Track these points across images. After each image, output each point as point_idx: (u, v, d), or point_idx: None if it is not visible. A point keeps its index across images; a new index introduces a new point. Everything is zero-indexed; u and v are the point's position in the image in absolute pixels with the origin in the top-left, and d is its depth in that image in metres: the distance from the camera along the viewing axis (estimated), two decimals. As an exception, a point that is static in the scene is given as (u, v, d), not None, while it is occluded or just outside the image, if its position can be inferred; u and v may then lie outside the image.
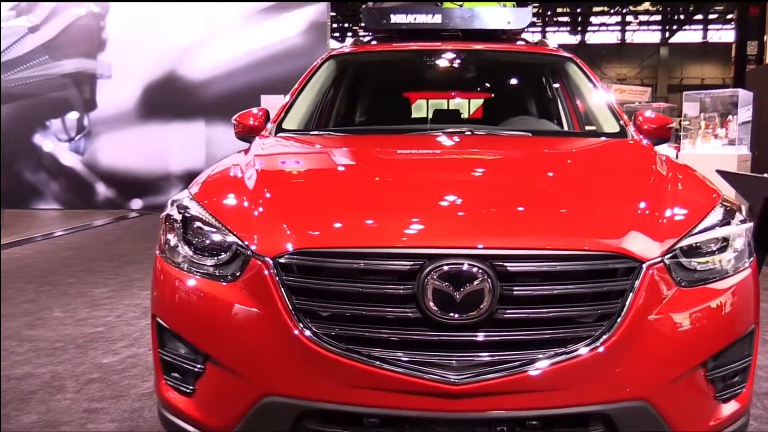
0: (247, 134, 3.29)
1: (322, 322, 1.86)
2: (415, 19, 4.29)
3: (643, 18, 39.41)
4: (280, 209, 2.11)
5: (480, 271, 1.79)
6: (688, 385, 1.96)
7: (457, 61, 4.00)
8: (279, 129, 3.25)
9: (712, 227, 2.07)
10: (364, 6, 4.40)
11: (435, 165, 2.67)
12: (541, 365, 1.80)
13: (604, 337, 1.82)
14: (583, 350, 1.81)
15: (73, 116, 11.04)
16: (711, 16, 38.44)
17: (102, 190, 11.10)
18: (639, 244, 1.91)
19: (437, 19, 4.30)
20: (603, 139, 3.14)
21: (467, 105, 4.74)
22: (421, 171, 2.57)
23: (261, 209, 2.12)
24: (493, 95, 4.23)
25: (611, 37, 40.68)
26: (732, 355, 2.05)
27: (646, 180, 2.33)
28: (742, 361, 2.08)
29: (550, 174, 2.50)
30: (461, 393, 1.79)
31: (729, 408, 2.06)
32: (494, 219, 2.02)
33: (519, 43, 4.27)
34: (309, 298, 1.88)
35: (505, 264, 1.81)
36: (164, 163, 10.70)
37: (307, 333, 1.84)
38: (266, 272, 1.90)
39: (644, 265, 1.88)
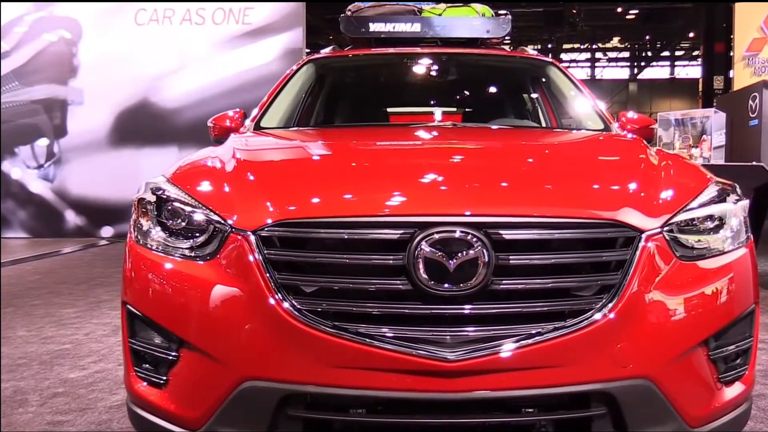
0: (223, 136, 3.19)
1: (306, 298, 1.75)
2: (394, 27, 4.25)
3: (612, 55, 40.29)
4: (260, 187, 2.01)
5: (474, 238, 1.70)
6: (691, 365, 1.87)
7: (437, 65, 3.95)
8: (257, 127, 3.16)
9: (707, 204, 2.02)
10: (342, 14, 4.36)
11: (422, 147, 2.60)
12: (540, 340, 1.70)
13: (605, 310, 1.73)
14: (583, 324, 1.72)
15: (42, 143, 10.79)
16: (678, 53, 39.42)
17: (71, 217, 10.82)
18: (635, 215, 1.84)
19: (416, 27, 4.27)
20: (591, 132, 3.10)
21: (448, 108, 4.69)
22: (408, 152, 2.49)
23: (240, 189, 2.02)
24: (475, 98, 4.19)
25: (581, 73, 41.40)
26: (733, 335, 1.97)
27: (638, 163, 2.28)
28: (744, 341, 2.01)
29: (540, 155, 2.44)
30: (456, 371, 1.68)
31: (732, 391, 1.98)
32: (487, 188, 1.95)
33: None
34: (292, 273, 1.76)
35: (500, 231, 1.72)
36: (136, 190, 10.46)
37: (290, 309, 1.72)
38: (246, 247, 1.79)
39: (643, 236, 1.81)
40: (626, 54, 40.38)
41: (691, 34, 31.63)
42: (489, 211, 1.77)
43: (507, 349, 1.70)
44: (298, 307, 1.73)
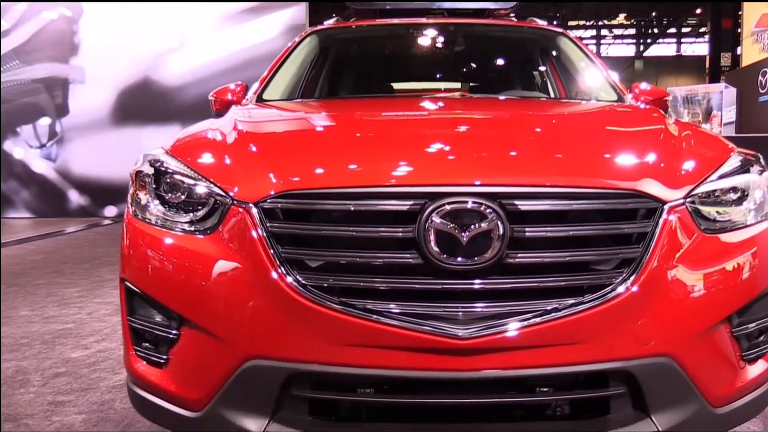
0: (224, 110, 3.10)
1: (311, 273, 1.66)
2: (400, -3, 4.14)
3: (618, 32, 39.88)
4: (262, 158, 1.92)
5: (488, 209, 1.61)
6: (714, 342, 1.79)
7: (444, 36, 3.83)
8: (259, 99, 3.07)
9: (730, 174, 1.92)
10: (348, -15, 4.24)
11: (431, 117, 2.50)
12: (557, 316, 1.62)
13: (626, 284, 1.64)
14: (602, 299, 1.63)
15: (44, 122, 10.72)
16: (684, 30, 38.99)
17: (75, 197, 10.78)
18: (658, 185, 1.75)
19: (423, -3, 4.16)
20: (606, 103, 3.00)
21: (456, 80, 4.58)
22: (417, 122, 2.40)
23: (242, 160, 1.93)
24: (483, 70, 4.07)
25: (587, 51, 41.01)
26: (757, 312, 1.88)
27: (657, 133, 2.18)
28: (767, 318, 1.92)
29: (555, 124, 2.34)
30: (468, 349, 1.60)
31: (755, 370, 1.89)
32: (501, 156, 1.85)
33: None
34: (296, 247, 1.68)
35: (516, 202, 1.63)
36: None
37: (295, 285, 1.64)
38: (248, 219, 1.70)
39: (665, 207, 1.71)
40: (632, 31, 39.97)
41: (698, 11, 31.29)
42: (503, 181, 1.68)
43: (522, 325, 1.61)
44: (303, 282, 1.64)
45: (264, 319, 1.68)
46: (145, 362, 1.91)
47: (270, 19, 10.37)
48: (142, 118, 10.52)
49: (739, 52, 20.11)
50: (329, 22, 3.92)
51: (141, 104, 10.52)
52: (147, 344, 1.91)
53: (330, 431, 1.72)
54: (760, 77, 10.53)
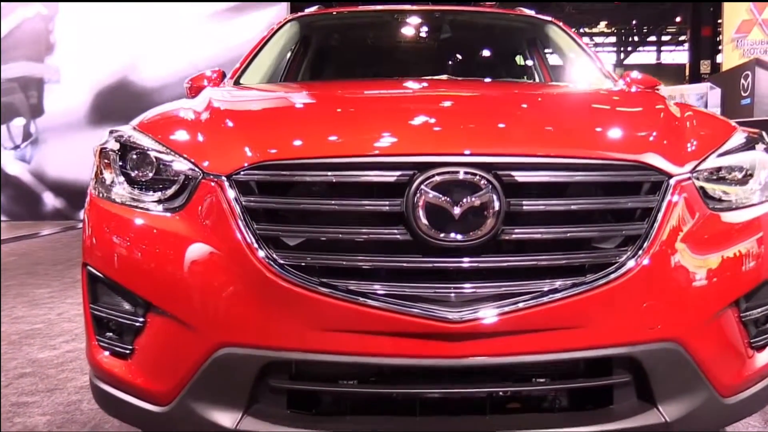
0: None
1: (289, 252, 1.53)
2: (382, -14, 4.02)
3: (598, 39, 40.14)
4: (237, 131, 1.78)
5: (483, 180, 1.48)
6: (722, 328, 1.67)
7: (429, 24, 3.71)
8: (236, 84, 2.93)
9: (735, 150, 1.82)
10: (328, -26, 4.11)
11: (420, 93, 2.36)
12: (556, 297, 1.49)
13: (630, 263, 1.52)
14: (605, 279, 1.51)
15: (18, 123, 10.45)
16: (664, 38, 39.34)
17: (50, 200, 10.51)
18: (663, 159, 1.63)
19: (406, -14, 4.04)
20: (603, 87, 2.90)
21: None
22: (404, 97, 2.26)
23: (215, 134, 1.79)
24: (471, 59, 3.95)
25: (568, 59, 41.23)
26: (764, 296, 1.77)
27: (658, 112, 2.07)
28: None
29: (554, 100, 2.23)
30: (459, 333, 1.47)
31: (763, 358, 1.78)
32: (497, 124, 1.72)
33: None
34: (273, 223, 1.54)
35: (512, 173, 1.50)
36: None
37: (271, 264, 1.50)
38: (220, 194, 1.56)
39: (671, 181, 1.60)
40: (613, 39, 40.25)
41: (678, 19, 31.58)
42: (499, 150, 1.56)
43: (519, 308, 1.48)
44: (281, 261, 1.51)
45: (237, 302, 1.53)
46: (108, 353, 1.76)
47: (251, 19, 10.22)
48: (120, 119, 10.14)
49: (718, 60, 20.27)
50: (310, 10, 3.79)
51: (118, 105, 10.27)
52: (111, 334, 1.77)
53: (310, 426, 1.57)
54: (742, 80, 10.51)
